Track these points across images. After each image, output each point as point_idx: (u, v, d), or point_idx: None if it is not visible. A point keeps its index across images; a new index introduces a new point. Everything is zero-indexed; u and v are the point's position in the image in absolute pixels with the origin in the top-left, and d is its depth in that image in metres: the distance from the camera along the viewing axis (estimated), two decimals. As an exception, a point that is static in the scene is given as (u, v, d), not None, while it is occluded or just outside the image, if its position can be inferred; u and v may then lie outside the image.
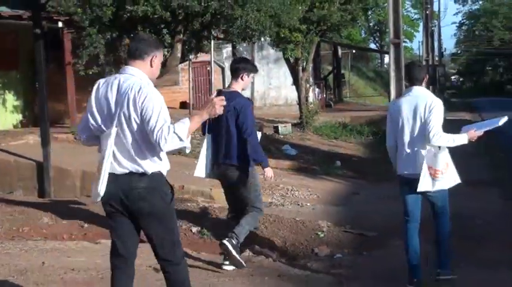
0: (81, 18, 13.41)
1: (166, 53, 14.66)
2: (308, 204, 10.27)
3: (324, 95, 33.23)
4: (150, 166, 4.13)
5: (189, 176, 11.27)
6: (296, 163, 14.92)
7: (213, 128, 6.48)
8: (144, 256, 6.81)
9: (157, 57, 4.31)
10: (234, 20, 13.51)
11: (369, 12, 58.82)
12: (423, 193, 5.80)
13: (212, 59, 20.32)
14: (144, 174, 4.12)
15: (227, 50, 25.47)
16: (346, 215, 9.30)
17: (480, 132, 5.95)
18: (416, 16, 71.14)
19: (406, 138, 5.78)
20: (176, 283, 4.40)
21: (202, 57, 19.12)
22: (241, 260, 6.44)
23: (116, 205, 4.18)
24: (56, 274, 6.09)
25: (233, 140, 6.36)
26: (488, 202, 10.10)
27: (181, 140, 4.08)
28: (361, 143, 20.06)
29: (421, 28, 50.75)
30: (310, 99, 23.57)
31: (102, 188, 4.03)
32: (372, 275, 6.52)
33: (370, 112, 27.76)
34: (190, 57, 16.77)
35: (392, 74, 19.75)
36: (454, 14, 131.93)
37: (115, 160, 4.11)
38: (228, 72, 24.98)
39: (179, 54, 14.50)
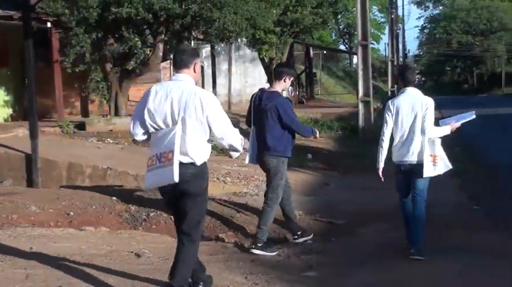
0: (68, 19, 13.30)
1: (148, 52, 14.58)
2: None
3: (297, 93, 33.27)
4: (198, 158, 4.62)
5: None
6: (270, 155, 14.89)
7: (256, 122, 6.88)
8: (125, 242, 6.79)
9: (197, 63, 4.80)
10: (213, 22, 13.48)
11: (339, 16, 59.00)
12: (413, 177, 6.43)
13: (192, 58, 20.22)
14: (193, 163, 4.60)
15: (206, 50, 25.35)
16: (317, 205, 9.29)
17: (458, 124, 6.65)
18: (382, 20, 71.52)
19: (405, 131, 6.44)
20: (187, 256, 4.69)
21: (182, 56, 19.04)
22: (272, 254, 6.72)
23: (172, 188, 4.60)
24: (43, 260, 6.01)
25: (272, 133, 6.76)
26: (448, 192, 10.17)
27: (237, 143, 4.73)
28: (331, 138, 20.05)
29: (387, 31, 51.09)
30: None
31: (176, 174, 4.43)
32: (340, 260, 6.53)
33: (340, 109, 27.81)
34: (171, 56, 16.68)
35: (360, 73, 19.81)
36: (417, 18, 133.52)
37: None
38: (207, 71, 24.93)
39: (161, 54, 14.44)
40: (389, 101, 6.75)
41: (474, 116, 6.80)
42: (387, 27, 48.01)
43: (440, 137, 6.47)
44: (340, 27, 70.80)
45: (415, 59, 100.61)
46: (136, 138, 4.86)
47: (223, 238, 7.42)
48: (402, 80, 6.66)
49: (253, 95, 7.05)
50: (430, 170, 6.35)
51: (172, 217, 4.92)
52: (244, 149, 4.75)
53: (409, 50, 73.20)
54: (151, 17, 13.15)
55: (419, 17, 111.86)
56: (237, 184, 10.73)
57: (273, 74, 7.05)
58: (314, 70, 41.33)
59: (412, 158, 6.41)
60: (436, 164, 6.36)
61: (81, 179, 10.65)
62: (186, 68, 4.73)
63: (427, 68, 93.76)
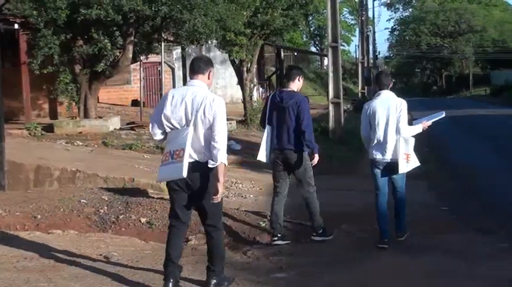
0: (36, 20, 13.17)
1: (118, 53, 14.51)
2: (251, 195, 10.26)
3: (267, 94, 33.33)
4: (210, 155, 5.02)
5: (139, 169, 11.20)
6: (240, 157, 14.89)
7: (276, 119, 7.25)
8: (94, 245, 6.75)
9: (212, 71, 5.31)
10: (183, 23, 13.47)
11: (310, 18, 59.33)
12: (391, 174, 7.10)
13: (162, 60, 20.12)
14: (206, 162, 5.00)
15: (177, 51, 25.26)
16: (287, 206, 9.26)
17: (429, 123, 7.30)
18: (353, 22, 72.03)
19: (381, 131, 7.00)
20: (217, 243, 5.32)
21: (153, 58, 18.95)
22: (330, 237, 7.36)
23: (180, 184, 5.07)
24: (9, 262, 5.96)
25: (294, 129, 7.15)
26: (416, 193, 10.30)
27: (222, 154, 5.02)
28: (302, 139, 20.18)
29: (357, 33, 51.43)
30: (255, 97, 23.64)
31: (185, 171, 4.88)
32: (309, 261, 6.56)
33: (311, 110, 27.76)
34: (141, 58, 16.61)
35: (330, 75, 19.94)
36: (387, 20, 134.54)
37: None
38: (178, 72, 24.87)
39: (130, 55, 14.37)
40: (366, 104, 7.30)
41: (444, 115, 7.53)
42: (358, 29, 48.38)
43: (413, 136, 7.07)
44: (311, 29, 71.13)
45: (385, 61, 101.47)
46: (155, 137, 5.31)
47: (192, 240, 7.40)
48: (377, 84, 7.30)
49: (268, 97, 7.49)
50: (404, 167, 6.99)
51: (178, 211, 5.22)
52: (221, 162, 5.01)
53: (379, 52, 73.91)
54: (121, 18, 13.08)
55: (389, 19, 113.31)
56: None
57: (287, 76, 7.55)
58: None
59: (387, 156, 7.02)
60: (409, 161, 7.01)
61: (49, 181, 10.54)
62: (202, 74, 5.23)
63: (397, 69, 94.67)
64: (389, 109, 6.99)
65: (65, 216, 8.00)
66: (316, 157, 7.26)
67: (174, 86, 24.90)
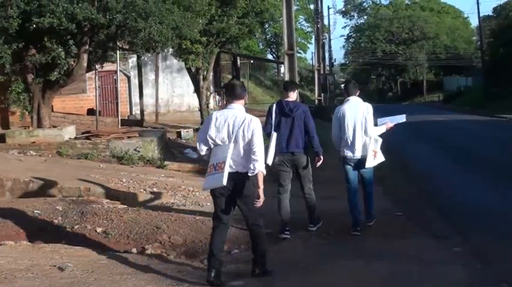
0: (-14, 29, 12.91)
1: (72, 62, 14.34)
2: (208, 204, 10.19)
3: (224, 102, 33.30)
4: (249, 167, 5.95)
5: (95, 179, 11.08)
6: (197, 165, 14.85)
7: (284, 127, 8.12)
8: (47, 256, 6.64)
9: (246, 95, 6.35)
10: (138, 32, 13.37)
11: (266, 26, 59.50)
12: (360, 169, 8.16)
13: (118, 69, 19.98)
14: (245, 172, 5.96)
15: (133, 60, 25.13)
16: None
17: (392, 125, 8.47)
18: (309, 29, 72.51)
19: (350, 132, 8.08)
20: (260, 238, 6.25)
21: (108, 66, 18.79)
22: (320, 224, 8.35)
23: (223, 191, 6.00)
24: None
25: (302, 135, 8.12)
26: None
27: (261, 164, 5.94)
28: (259, 146, 20.23)
29: (313, 40, 51.78)
30: (211, 105, 23.61)
31: (225, 180, 5.82)
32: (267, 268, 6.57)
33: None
34: (97, 66, 16.44)
35: (286, 82, 20.07)
36: (343, 28, 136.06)
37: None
38: (134, 81, 24.70)
39: (85, 64, 14.20)
40: (337, 109, 8.42)
41: (405, 119, 8.75)
42: (314, 37, 48.74)
43: (379, 136, 8.20)
44: (267, 36, 71.36)
45: (342, 68, 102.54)
46: (201, 153, 6.31)
47: (149, 249, 7.35)
48: (346, 91, 8.48)
49: (271, 107, 8.34)
50: (371, 162, 8.13)
51: (219, 214, 6.15)
52: (261, 172, 5.92)
53: (335, 59, 74.87)
54: (75, 27, 12.93)
55: (345, 27, 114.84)
56: (164, 194, 10.66)
57: (287, 87, 8.46)
58: (241, 80, 41.55)
59: (357, 153, 8.10)
60: (376, 157, 8.12)
61: (0, 192, 10.33)
62: (241, 99, 6.22)
63: (353, 76, 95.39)
64: (357, 112, 8.10)
65: (17, 227, 7.86)
66: (321, 159, 8.17)
67: (130, 95, 24.73)
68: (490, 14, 56.05)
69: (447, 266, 6.53)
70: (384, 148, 9.05)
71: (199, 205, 10.15)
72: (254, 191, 5.99)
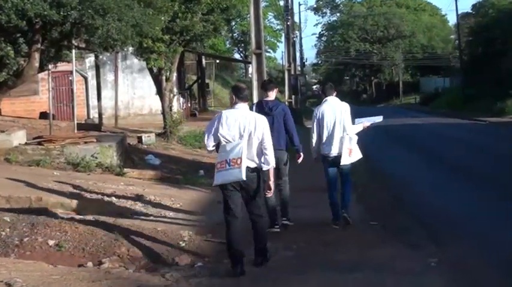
0: None
1: (22, 62, 14.15)
2: (170, 213, 10.22)
3: (189, 105, 33.30)
4: (258, 163, 6.93)
5: (48, 188, 10.97)
6: (159, 172, 14.81)
7: None
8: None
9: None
10: (95, 29, 13.23)
11: (232, 23, 59.65)
12: (338, 165, 9.10)
13: (74, 69, 19.79)
14: (256, 167, 6.91)
15: (90, 59, 24.89)
16: (209, 224, 9.33)
17: (368, 124, 9.50)
18: (279, 27, 72.72)
19: (329, 130, 9.05)
20: (262, 230, 7.12)
21: (63, 66, 18.59)
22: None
23: (235, 185, 6.83)
24: None
25: (283, 133, 8.92)
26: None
27: (272, 158, 7.00)
28: (226, 152, 20.22)
29: (283, 39, 51.97)
30: (175, 108, 23.52)
31: (244, 174, 6.64)
32: (231, 283, 6.58)
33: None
34: (50, 66, 16.24)
35: (254, 83, 20.04)
36: (314, 25, 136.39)
37: None
38: (92, 82, 24.48)
39: (37, 64, 14.01)
40: (316, 109, 9.46)
41: (381, 119, 9.85)
42: (283, 35, 48.93)
43: (356, 134, 9.15)
44: (235, 34, 71.53)
45: (313, 68, 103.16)
46: (208, 149, 7.13)
47: (106, 263, 7.29)
48: (324, 92, 9.54)
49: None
50: (346, 159, 9.03)
51: (232, 207, 6.90)
52: (272, 166, 6.98)
53: (306, 59, 75.30)
54: (26, 24, 12.74)
55: (317, 24, 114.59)
56: (123, 204, 10.60)
57: (265, 87, 9.30)
58: (207, 80, 41.55)
59: (334, 151, 9.05)
60: (351, 155, 9.05)
61: None
62: (246, 100, 7.17)
63: (325, 77, 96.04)
64: (335, 112, 9.09)
65: (-39, 240, 7.73)
66: (301, 156, 9.04)
67: (87, 97, 24.50)
68: (469, 11, 56.86)
69: (423, 276, 6.60)
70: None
71: (161, 214, 10.11)
72: (261, 184, 7.02)
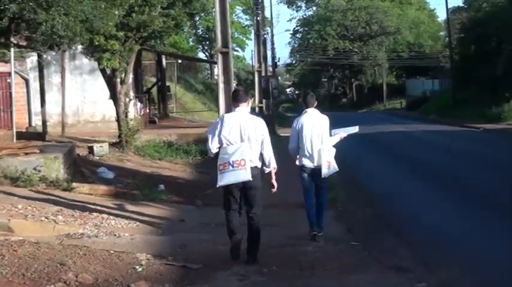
0: None
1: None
2: (126, 234, 10.15)
3: (147, 110, 33.19)
4: (258, 163, 8.39)
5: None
6: (113, 187, 14.71)
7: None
8: None
9: (250, 99, 8.68)
10: (38, 25, 13.15)
11: (196, 18, 59.64)
12: (315, 177, 10.04)
13: (13, 70, 19.61)
14: (256, 167, 8.32)
15: (32, 59, 24.67)
16: (169, 246, 9.30)
17: (345, 135, 10.47)
18: (248, 22, 72.90)
19: (308, 142, 10.04)
20: (257, 228, 8.38)
21: (1, 67, 18.45)
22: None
23: (238, 184, 8.21)
24: None
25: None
26: (323, 226, 10.51)
27: (272, 160, 8.57)
28: (189, 164, 20.21)
29: (253, 36, 52.10)
30: (131, 115, 23.40)
31: (249, 175, 8.12)
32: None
33: (199, 129, 27.98)
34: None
35: (221, 86, 20.11)
36: (288, 21, 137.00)
37: None
38: (34, 85, 24.27)
39: (-29, 63, 13.90)
40: (295, 120, 10.39)
41: (357, 130, 10.74)
42: (253, 32, 49.06)
43: (334, 146, 10.14)
44: (198, 31, 71.59)
45: (287, 69, 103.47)
46: (212, 151, 8.41)
47: (52, 291, 7.22)
48: (304, 103, 10.45)
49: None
50: (325, 172, 10.00)
51: (232, 204, 8.39)
52: (274, 167, 8.57)
53: (279, 58, 75.30)
54: (-45, 19, 12.65)
55: (291, 19, 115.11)
56: (71, 224, 10.52)
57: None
58: (168, 83, 41.44)
59: (313, 162, 10.04)
60: (330, 167, 10.01)
61: None
62: (245, 102, 8.46)
63: (300, 79, 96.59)
64: (314, 124, 10.07)
65: None
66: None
67: (29, 102, 24.26)
68: (460, 5, 57.46)
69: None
70: (338, 165, 9.28)
71: (115, 235, 10.04)
72: (262, 182, 8.43)
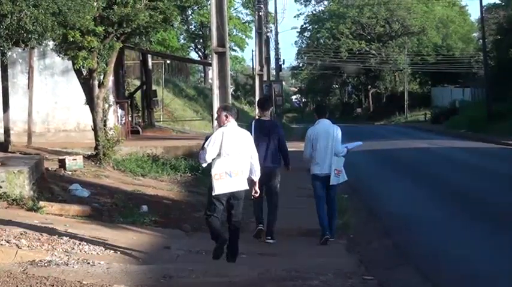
0: None
1: None
2: (102, 262, 10.16)
3: (130, 119, 33.20)
4: (247, 174, 10.10)
5: None
6: (88, 207, 14.70)
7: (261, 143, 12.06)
8: None
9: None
10: (2, 17, 13.20)
11: (188, 12, 59.78)
12: (327, 185, 12.17)
13: (-28, 69, 19.64)
14: (247, 178, 10.05)
15: (-5, 57, 24.70)
16: (152, 277, 9.31)
17: (350, 148, 12.46)
18: (248, 18, 72.96)
19: (321, 151, 12.07)
20: (237, 231, 10.10)
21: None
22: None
23: (228, 193, 9.79)
24: None
25: (276, 152, 12.51)
26: (333, 257, 10.52)
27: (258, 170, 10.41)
28: (177, 182, 20.18)
29: (254, 34, 52.23)
30: (110, 123, 23.41)
31: (246, 184, 9.97)
32: None
33: (190, 141, 28.02)
34: None
35: (216, 91, 20.06)
36: (295, 17, 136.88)
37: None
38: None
39: None
40: (309, 129, 12.53)
41: (361, 145, 13.26)
42: (254, 29, 49.17)
43: (344, 156, 12.26)
44: (191, 27, 71.72)
45: (293, 73, 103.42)
46: (207, 161, 9.87)
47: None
48: (317, 113, 12.77)
49: (251, 123, 12.74)
50: (334, 180, 12.15)
51: (219, 211, 9.93)
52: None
53: (284, 61, 75.19)
54: None
55: (298, 15, 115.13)
56: (36, 249, 10.52)
57: (262, 106, 12.94)
58: (154, 87, 41.45)
59: (325, 171, 12.12)
60: (339, 176, 12.24)
61: None
62: (235, 118, 10.12)
63: (308, 85, 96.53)
64: (328, 134, 12.14)
65: None
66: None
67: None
68: (497, 1, 57.45)
69: None
70: (352, 187, 9.27)
71: (88, 263, 10.04)
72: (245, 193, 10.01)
